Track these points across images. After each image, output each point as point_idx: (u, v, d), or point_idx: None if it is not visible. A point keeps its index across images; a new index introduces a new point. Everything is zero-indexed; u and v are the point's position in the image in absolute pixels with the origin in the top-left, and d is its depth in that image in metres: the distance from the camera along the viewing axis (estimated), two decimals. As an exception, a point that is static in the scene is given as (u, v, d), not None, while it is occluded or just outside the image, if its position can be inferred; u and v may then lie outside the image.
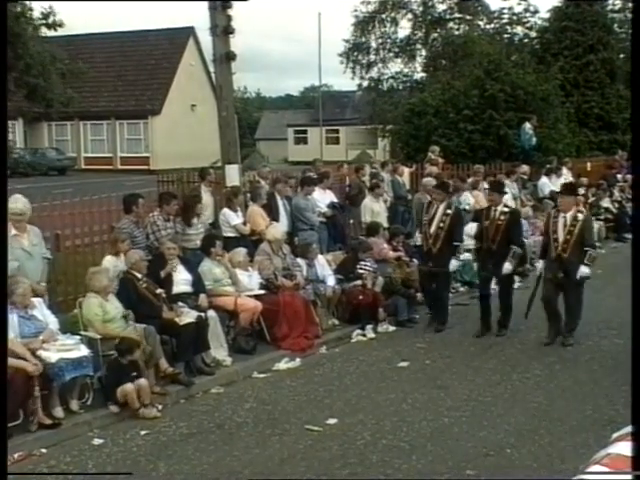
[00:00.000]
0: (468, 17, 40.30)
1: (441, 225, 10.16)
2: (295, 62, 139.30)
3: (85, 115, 40.95)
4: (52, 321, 7.56)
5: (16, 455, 6.36)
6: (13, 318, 7.06)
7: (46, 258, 8.23)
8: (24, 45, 24.54)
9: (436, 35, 40.47)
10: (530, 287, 10.30)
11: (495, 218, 9.90)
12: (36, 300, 7.51)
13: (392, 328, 10.54)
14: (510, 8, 37.98)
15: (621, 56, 28.77)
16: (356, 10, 40.69)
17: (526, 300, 9.92)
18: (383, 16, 40.95)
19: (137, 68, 42.96)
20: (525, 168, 18.26)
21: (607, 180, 20.42)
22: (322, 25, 69.31)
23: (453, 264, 10.25)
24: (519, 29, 37.70)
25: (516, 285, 12.90)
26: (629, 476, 3.37)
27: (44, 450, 6.64)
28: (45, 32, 27.10)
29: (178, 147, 38.20)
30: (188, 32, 43.54)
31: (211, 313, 8.91)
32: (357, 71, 41.83)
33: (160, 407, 7.57)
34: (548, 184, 17.85)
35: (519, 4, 37.18)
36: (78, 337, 7.60)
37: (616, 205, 19.05)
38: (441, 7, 40.46)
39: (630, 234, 15.12)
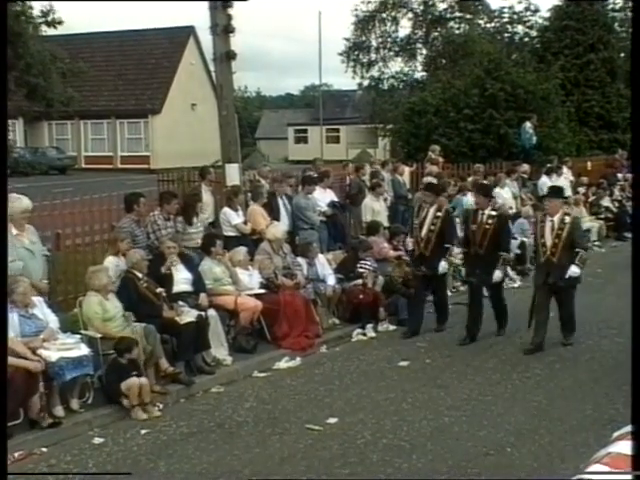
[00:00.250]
0: (468, 16, 40.25)
1: (432, 228, 9.96)
2: (295, 61, 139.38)
3: (85, 114, 40.94)
4: (52, 320, 7.57)
5: (16, 454, 6.36)
6: (13, 317, 7.06)
7: (45, 255, 8.24)
8: (24, 44, 24.56)
9: (436, 34, 40.43)
10: (531, 287, 10.26)
11: (483, 222, 9.64)
12: (36, 299, 7.51)
13: (392, 327, 10.54)
14: (510, 7, 38.01)
15: (621, 55, 28.74)
16: (356, 9, 40.70)
17: (526, 299, 9.88)
18: (383, 15, 40.91)
19: (137, 67, 42.97)
20: (525, 167, 18.26)
21: (607, 179, 20.42)
22: (322, 24, 69.11)
23: (442, 266, 9.99)
24: (519, 28, 37.70)
25: (517, 284, 12.97)
26: (629, 475, 3.37)
27: (44, 449, 6.64)
28: (45, 30, 27.13)
29: (178, 146, 38.22)
30: (188, 31, 43.55)
31: (211, 312, 8.91)
32: (357, 70, 41.83)
33: (160, 406, 7.58)
34: (548, 183, 17.80)
35: (519, 3, 37.17)
36: (78, 336, 7.61)
37: (616, 204, 19.06)
38: (441, 6, 40.44)
39: (630, 233, 15.12)
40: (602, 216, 18.35)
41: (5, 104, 8.82)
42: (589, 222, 17.71)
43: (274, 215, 11.53)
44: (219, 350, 8.85)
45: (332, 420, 7.23)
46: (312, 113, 56.98)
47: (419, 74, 40.99)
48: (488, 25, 39.86)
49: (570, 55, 27.20)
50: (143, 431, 7.04)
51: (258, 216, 11.27)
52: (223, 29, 11.53)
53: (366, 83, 42.60)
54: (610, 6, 31.81)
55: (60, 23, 26.81)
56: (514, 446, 6.59)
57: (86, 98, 37.34)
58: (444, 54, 38.43)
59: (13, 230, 7.70)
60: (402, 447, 6.61)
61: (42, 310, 7.52)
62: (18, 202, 7.82)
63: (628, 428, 3.90)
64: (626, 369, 7.08)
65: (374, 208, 13.24)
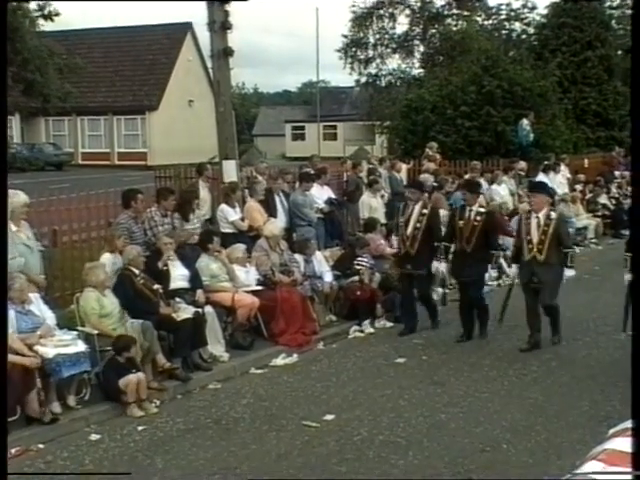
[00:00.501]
0: (466, 13, 40.24)
1: (418, 226, 9.78)
2: (293, 58, 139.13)
3: (82, 110, 40.82)
4: (49, 316, 7.56)
5: (13, 450, 6.35)
6: (10, 313, 7.04)
7: (40, 251, 8.24)
8: (22, 39, 24.55)
9: (434, 31, 40.40)
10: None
11: (470, 219, 9.50)
12: (33, 295, 7.51)
13: (389, 324, 10.55)
14: (508, 4, 38.09)
15: (619, 53, 28.79)
16: (354, 6, 40.66)
17: (523, 295, 9.82)
18: (381, 12, 40.88)
19: (134, 63, 42.86)
20: (522, 164, 18.26)
21: (604, 177, 20.44)
22: (320, 21, 69.28)
23: (435, 266, 9.75)
24: (517, 25, 37.77)
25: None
26: (629, 475, 3.37)
27: (41, 445, 6.64)
28: (42, 24, 27.10)
29: (175, 143, 38.14)
30: (186, 27, 43.42)
31: (208, 309, 8.91)
32: (355, 67, 41.81)
33: (157, 403, 7.59)
34: (545, 181, 17.83)
35: (517, 0, 37.22)
36: (75, 332, 7.60)
37: (613, 201, 19.09)
38: (439, 3, 40.48)
39: (627, 230, 15.14)
40: (599, 213, 18.36)
41: (5, 101, 8.80)
42: (586, 219, 17.75)
43: (271, 212, 11.52)
44: (216, 347, 8.85)
45: (329, 417, 7.23)
46: (309, 110, 56.93)
47: (416, 71, 41.02)
48: (485, 22, 39.91)
49: (567, 52, 27.23)
50: (140, 427, 7.05)
51: (255, 212, 11.26)
52: (220, 25, 11.53)
53: (363, 80, 42.60)
54: (607, 3, 31.90)
55: (57, 15, 26.80)
56: (510, 443, 6.60)
57: (83, 94, 37.28)
58: (441, 51, 38.40)
59: (12, 227, 7.69)
60: (399, 444, 6.62)
61: (39, 306, 7.52)
62: (17, 197, 7.81)
63: (624, 425, 3.91)
64: (622, 366, 7.11)
65: (371, 205, 13.25)
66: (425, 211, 9.91)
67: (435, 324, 10.32)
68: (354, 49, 41.58)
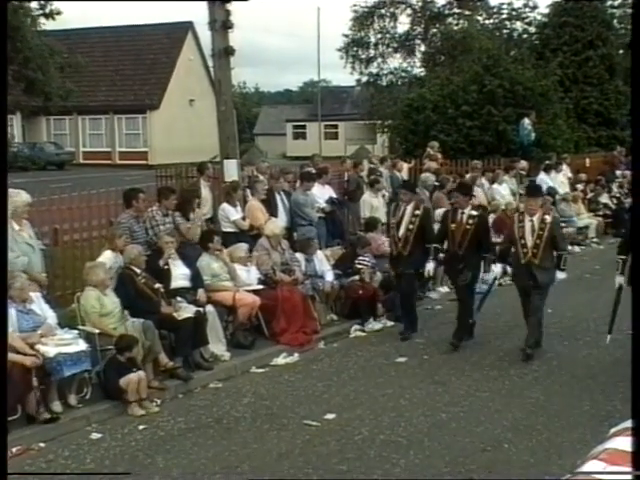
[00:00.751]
0: (467, 12, 40.21)
1: (410, 227, 9.64)
2: (294, 57, 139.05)
3: (83, 109, 40.85)
4: (50, 315, 7.57)
5: (14, 449, 6.36)
6: (11, 312, 7.05)
7: (41, 250, 8.25)
8: (23, 38, 24.56)
9: (435, 30, 40.39)
10: None
11: (462, 222, 9.35)
12: (34, 294, 7.51)
13: (390, 323, 10.54)
14: (509, 3, 38.01)
15: (620, 52, 28.74)
16: (355, 5, 40.65)
17: (513, 296, 9.67)
18: (382, 11, 40.86)
19: (135, 63, 42.85)
20: (524, 164, 18.25)
21: (605, 176, 20.42)
22: (321, 20, 69.33)
23: (429, 267, 9.63)
24: (518, 24, 37.70)
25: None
26: (628, 473, 3.37)
27: (42, 444, 6.64)
28: (44, 23, 27.11)
29: (176, 142, 38.14)
30: (187, 27, 43.41)
31: (209, 308, 8.91)
32: (356, 66, 41.80)
33: (158, 402, 7.59)
34: (546, 180, 17.84)
35: (518, -1, 37.19)
36: (76, 332, 7.60)
37: (614, 201, 19.07)
38: (440, 2, 40.45)
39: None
40: (600, 213, 18.35)
41: (5, 100, 8.82)
42: (587, 219, 17.74)
43: (272, 211, 11.52)
44: (217, 346, 8.85)
45: (330, 416, 7.24)
46: (310, 109, 56.90)
47: (418, 70, 41.02)
48: (487, 21, 39.85)
49: (569, 52, 27.20)
50: (141, 427, 7.05)
51: (257, 211, 11.25)
52: (222, 25, 11.51)
53: (365, 79, 42.57)
54: (609, 3, 31.83)
55: (58, 14, 26.80)
56: (511, 442, 6.60)
57: (84, 93, 37.29)
58: (443, 50, 38.39)
59: (15, 225, 7.70)
60: (400, 443, 6.62)
61: (40, 305, 7.53)
62: (18, 197, 7.82)
63: (625, 424, 3.91)
64: (623, 366, 7.11)
65: (372, 204, 13.24)
66: (417, 212, 9.77)
67: (407, 333, 9.86)
68: (355, 48, 41.57)
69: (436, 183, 14.69)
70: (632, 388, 3.83)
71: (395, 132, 26.37)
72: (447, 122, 21.90)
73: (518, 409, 7.39)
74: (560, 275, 9.04)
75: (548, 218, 9.08)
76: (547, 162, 18.85)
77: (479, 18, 40.33)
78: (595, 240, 17.39)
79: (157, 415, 7.34)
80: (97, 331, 7.75)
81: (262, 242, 10.51)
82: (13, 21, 22.79)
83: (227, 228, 11.01)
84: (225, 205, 11.20)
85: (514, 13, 37.84)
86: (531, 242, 8.86)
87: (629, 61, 19.41)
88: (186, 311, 8.51)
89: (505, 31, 37.90)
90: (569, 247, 16.00)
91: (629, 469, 3.36)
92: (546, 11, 31.08)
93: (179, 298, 8.79)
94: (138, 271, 8.49)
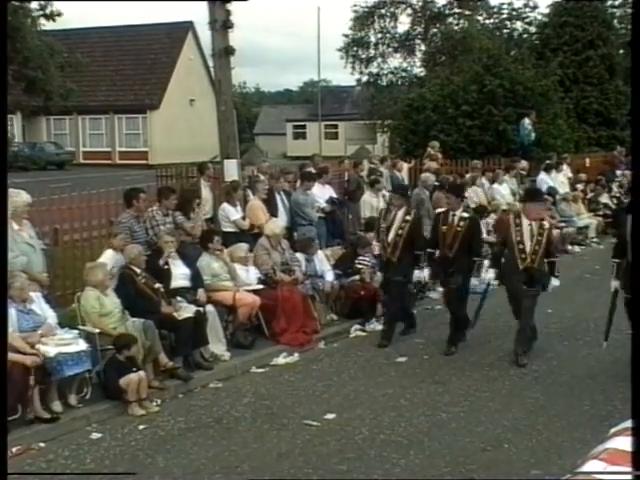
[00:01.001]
0: (467, 12, 40.20)
1: (400, 232, 9.39)
2: (294, 57, 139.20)
3: (83, 109, 40.86)
4: (50, 315, 7.57)
5: (14, 449, 6.36)
6: (11, 312, 7.05)
7: (42, 249, 8.25)
8: (22, 38, 24.56)
9: (435, 30, 40.38)
10: None
11: (453, 224, 9.14)
12: (34, 294, 7.51)
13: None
14: (509, 3, 37.98)
15: (620, 52, 28.73)
16: (355, 5, 40.64)
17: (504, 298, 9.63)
18: (382, 11, 40.85)
19: (136, 62, 42.87)
20: (524, 164, 18.26)
21: (606, 176, 20.42)
22: (321, 20, 69.32)
23: (417, 275, 9.47)
24: (518, 24, 37.67)
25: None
26: (628, 473, 3.37)
27: (42, 444, 6.64)
28: (44, 24, 27.10)
29: (177, 142, 38.16)
30: (187, 26, 43.43)
31: (209, 308, 8.91)
32: (356, 66, 41.78)
33: (159, 402, 7.59)
34: (546, 180, 17.85)
35: (518, -1, 37.19)
36: (76, 331, 7.60)
37: (614, 201, 19.06)
38: (440, 2, 40.44)
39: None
40: (600, 213, 18.34)
41: (5, 100, 8.81)
42: (587, 219, 17.74)
43: (272, 211, 11.52)
44: (217, 346, 8.85)
45: (330, 416, 7.24)
46: (311, 109, 56.90)
47: (418, 70, 41.01)
48: (487, 21, 39.83)
49: (569, 51, 27.19)
50: (141, 426, 7.05)
51: (258, 210, 11.25)
52: (222, 25, 11.52)
53: (365, 79, 42.55)
54: (609, 2, 31.80)
55: (59, 15, 26.79)
56: (511, 442, 6.60)
57: (84, 93, 37.27)
58: (443, 50, 38.39)
59: (14, 225, 7.70)
60: (400, 443, 6.62)
61: (40, 305, 7.53)
62: (19, 197, 7.82)
63: (625, 424, 3.91)
64: (623, 366, 7.11)
65: (372, 204, 13.23)
66: (408, 218, 9.54)
67: (385, 341, 9.56)
68: (355, 48, 41.55)
69: (436, 183, 14.69)
70: (632, 388, 3.83)
71: (395, 132, 26.37)
72: (447, 122, 21.89)
73: (518, 409, 7.39)
74: (554, 282, 8.90)
75: (546, 224, 8.96)
76: (547, 162, 18.85)
77: (479, 18, 40.31)
78: (595, 240, 17.38)
79: (157, 415, 7.34)
80: (97, 331, 7.75)
81: (262, 242, 10.51)
82: (13, 21, 22.79)
83: (227, 228, 11.02)
84: (225, 205, 11.20)
85: (514, 13, 37.83)
86: (529, 248, 8.69)
87: (629, 61, 19.40)
88: (186, 311, 8.51)
89: (505, 31, 37.88)
90: (569, 247, 16.22)
91: (629, 469, 3.36)
92: (546, 11, 31.11)
93: (179, 298, 8.79)
94: (138, 271, 8.49)
